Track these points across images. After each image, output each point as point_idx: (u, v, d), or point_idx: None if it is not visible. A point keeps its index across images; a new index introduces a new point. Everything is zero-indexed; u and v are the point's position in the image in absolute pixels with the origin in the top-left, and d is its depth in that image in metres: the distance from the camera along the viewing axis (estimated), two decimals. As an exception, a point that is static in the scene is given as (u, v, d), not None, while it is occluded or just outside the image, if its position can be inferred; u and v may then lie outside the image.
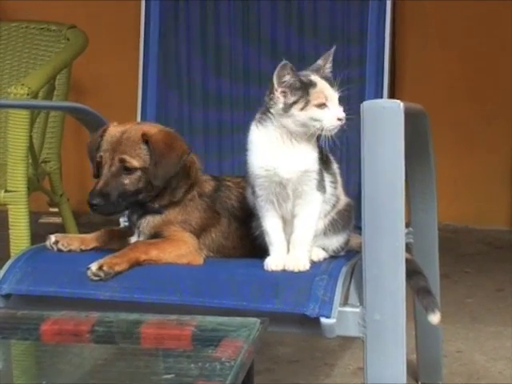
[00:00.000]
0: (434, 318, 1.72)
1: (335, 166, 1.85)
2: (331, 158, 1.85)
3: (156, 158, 1.83)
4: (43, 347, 1.38)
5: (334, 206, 1.82)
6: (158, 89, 2.40)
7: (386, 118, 1.59)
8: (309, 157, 1.74)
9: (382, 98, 2.18)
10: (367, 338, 1.62)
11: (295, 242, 1.75)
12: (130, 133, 1.85)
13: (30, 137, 2.63)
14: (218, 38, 2.41)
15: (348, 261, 1.79)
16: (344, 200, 1.85)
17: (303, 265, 1.73)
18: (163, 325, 1.41)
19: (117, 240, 1.93)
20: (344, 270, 1.71)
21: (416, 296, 1.78)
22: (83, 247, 1.89)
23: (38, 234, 2.71)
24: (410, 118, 1.65)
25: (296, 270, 1.72)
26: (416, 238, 2.13)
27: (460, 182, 4.09)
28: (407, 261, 1.64)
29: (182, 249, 1.84)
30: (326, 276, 1.68)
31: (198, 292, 1.69)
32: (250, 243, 1.85)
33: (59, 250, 1.88)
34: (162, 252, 1.81)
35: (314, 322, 1.61)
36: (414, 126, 1.92)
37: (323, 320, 1.60)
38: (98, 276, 1.70)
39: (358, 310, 1.64)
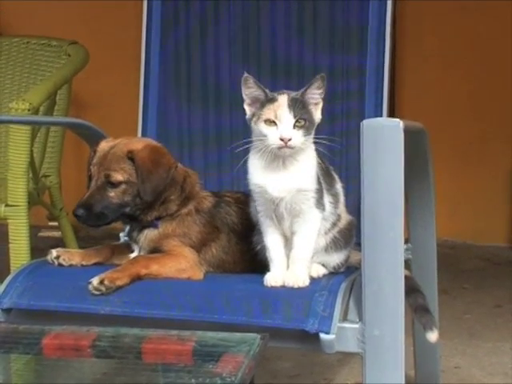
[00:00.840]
0: (432, 336, 1.73)
1: (339, 186, 1.86)
2: (336, 176, 1.86)
3: (143, 175, 1.86)
4: (44, 361, 1.39)
5: (334, 224, 1.83)
6: (159, 103, 2.42)
7: (386, 136, 1.60)
8: (304, 176, 1.74)
9: (381, 113, 2.20)
10: (366, 353, 1.63)
11: (294, 258, 1.76)
12: (117, 148, 1.89)
13: (31, 151, 2.65)
14: (217, 50, 2.43)
15: (347, 277, 1.80)
16: (345, 218, 1.86)
17: (302, 281, 1.73)
18: (164, 340, 1.42)
19: (118, 256, 1.94)
20: (343, 285, 1.72)
21: (414, 314, 1.78)
22: (84, 262, 1.90)
23: (38, 247, 2.73)
24: (410, 135, 1.66)
25: (295, 285, 1.73)
26: (415, 254, 2.13)
27: (458, 198, 4.11)
28: (406, 278, 1.65)
29: (183, 263, 1.85)
30: (326, 292, 1.68)
31: (197, 307, 1.69)
32: (251, 258, 1.86)
33: (60, 265, 1.88)
34: (162, 266, 1.82)
35: (314, 337, 1.62)
36: (413, 143, 1.93)
37: (323, 336, 1.61)
38: (99, 290, 1.71)
39: (357, 325, 1.65)
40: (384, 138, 1.60)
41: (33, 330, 1.48)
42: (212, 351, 1.36)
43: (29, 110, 2.54)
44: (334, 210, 1.81)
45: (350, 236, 1.85)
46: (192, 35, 2.43)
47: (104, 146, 1.91)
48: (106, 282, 1.72)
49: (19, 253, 2.56)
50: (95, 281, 1.72)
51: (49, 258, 1.89)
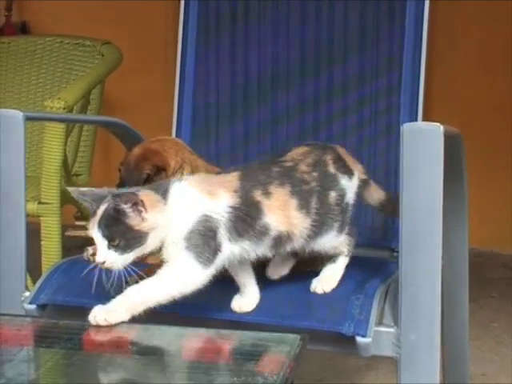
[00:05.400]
0: None
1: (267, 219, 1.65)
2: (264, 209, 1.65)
3: (125, 173, 1.93)
4: (85, 357, 1.40)
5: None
6: (194, 103, 2.44)
7: (426, 140, 1.60)
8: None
9: (417, 118, 2.22)
10: (401, 357, 1.63)
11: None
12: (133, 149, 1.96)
13: (64, 150, 2.67)
14: (247, 51, 2.45)
15: (383, 281, 1.80)
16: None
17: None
18: (204, 338, 1.43)
19: (154, 255, 1.95)
20: (379, 289, 1.72)
21: None
22: None
23: (64, 246, 2.74)
24: (447, 140, 1.66)
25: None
26: (447, 259, 2.13)
27: (485, 206, 4.08)
28: None
29: None
30: (362, 295, 1.69)
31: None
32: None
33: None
34: None
35: (350, 340, 1.62)
36: (449, 148, 1.93)
37: (359, 339, 1.61)
38: (136, 288, 1.72)
39: (392, 329, 1.65)
40: (424, 143, 1.60)
41: (73, 325, 1.50)
42: (252, 351, 1.36)
43: (64, 109, 2.55)
44: (257, 243, 1.64)
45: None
46: (228, 34, 2.45)
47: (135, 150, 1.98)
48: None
49: (51, 250, 2.58)
50: (132, 280, 1.73)
51: (85, 255, 1.90)
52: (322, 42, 2.39)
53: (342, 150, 1.81)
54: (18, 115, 1.83)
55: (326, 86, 2.38)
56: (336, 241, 1.75)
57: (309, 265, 1.82)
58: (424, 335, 1.61)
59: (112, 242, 1.51)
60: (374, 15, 2.35)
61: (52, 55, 3.24)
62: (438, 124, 1.60)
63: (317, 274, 1.79)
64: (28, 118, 1.87)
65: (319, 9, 2.40)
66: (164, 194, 1.56)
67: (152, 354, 1.38)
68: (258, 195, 1.64)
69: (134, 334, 1.45)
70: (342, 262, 1.79)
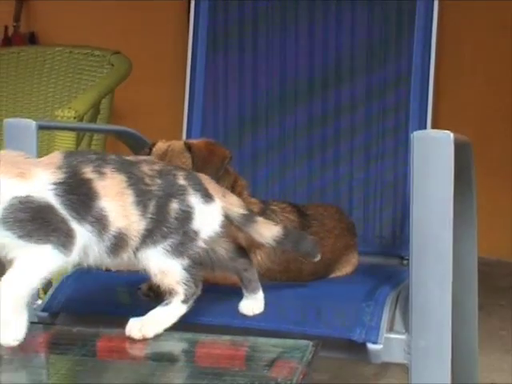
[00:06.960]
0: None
1: (103, 202, 1.46)
2: (99, 192, 1.46)
3: (198, 163, 1.89)
4: (99, 363, 1.41)
5: (118, 245, 1.50)
6: (203, 114, 2.45)
7: (436, 148, 1.61)
8: None
9: (425, 126, 2.23)
10: (412, 364, 1.64)
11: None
12: (175, 145, 1.94)
13: (74, 159, 2.68)
14: (256, 63, 2.47)
15: (393, 288, 1.81)
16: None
17: None
18: (217, 345, 1.44)
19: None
20: (390, 296, 1.73)
21: None
22: (131, 268, 1.92)
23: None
24: (456, 148, 1.67)
25: None
26: (455, 267, 2.13)
27: (493, 214, 4.09)
28: None
29: None
30: (373, 302, 1.70)
31: (244, 314, 1.71)
32: (297, 268, 1.88)
33: (107, 270, 1.91)
34: (208, 272, 1.83)
35: (360, 347, 1.63)
36: (458, 157, 1.94)
37: (370, 346, 1.62)
38: (148, 296, 1.74)
39: (403, 336, 1.66)
40: (434, 150, 1.61)
41: (87, 332, 1.51)
42: (265, 357, 1.38)
43: (74, 118, 2.57)
44: (99, 236, 1.47)
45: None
46: (237, 46, 2.47)
47: (161, 145, 1.96)
48: (154, 288, 1.74)
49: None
50: (144, 286, 1.75)
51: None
52: (330, 58, 2.42)
53: (205, 178, 1.58)
54: (31, 124, 1.85)
55: (333, 103, 2.40)
56: (165, 263, 1.50)
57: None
58: (434, 342, 1.62)
59: None
60: (381, 31, 2.37)
61: (61, 65, 3.26)
62: (448, 132, 1.61)
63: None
64: (41, 127, 1.89)
65: (326, 24, 2.42)
66: None
67: (166, 361, 1.39)
68: (88, 172, 1.44)
69: (147, 340, 1.46)
70: (174, 308, 1.52)
